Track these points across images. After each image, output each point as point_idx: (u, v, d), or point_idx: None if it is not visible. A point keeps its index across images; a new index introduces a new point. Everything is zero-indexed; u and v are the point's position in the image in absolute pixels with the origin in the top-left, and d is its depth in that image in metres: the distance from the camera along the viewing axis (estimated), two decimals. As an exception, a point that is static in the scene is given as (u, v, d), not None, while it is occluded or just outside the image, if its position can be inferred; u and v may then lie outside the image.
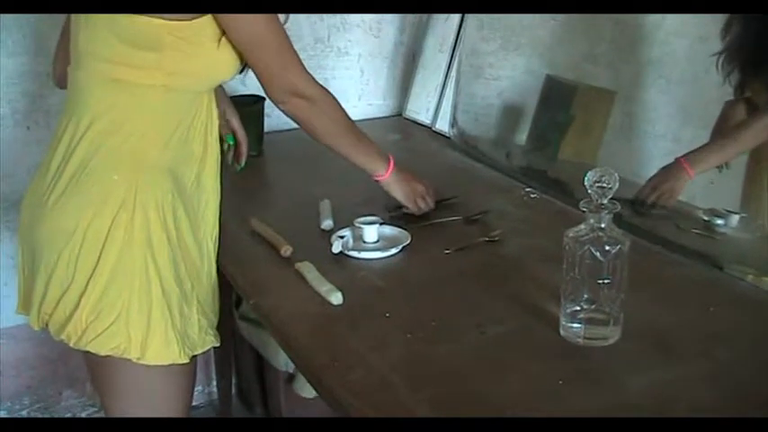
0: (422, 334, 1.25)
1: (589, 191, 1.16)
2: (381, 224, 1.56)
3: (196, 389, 2.34)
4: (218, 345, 1.46)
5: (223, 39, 1.32)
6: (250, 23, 1.30)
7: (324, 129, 1.44)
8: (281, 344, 1.31)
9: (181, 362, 1.36)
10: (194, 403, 2.31)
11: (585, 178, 1.16)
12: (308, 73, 1.41)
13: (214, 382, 2.46)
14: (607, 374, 1.16)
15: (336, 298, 1.33)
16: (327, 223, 1.63)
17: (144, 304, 1.32)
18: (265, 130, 2.14)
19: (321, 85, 1.43)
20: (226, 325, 2.17)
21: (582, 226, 1.19)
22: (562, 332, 1.23)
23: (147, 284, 1.32)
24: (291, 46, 1.38)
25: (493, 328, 1.26)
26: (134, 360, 1.33)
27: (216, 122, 1.44)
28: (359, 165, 1.50)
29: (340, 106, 1.47)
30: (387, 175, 1.53)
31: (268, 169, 2.11)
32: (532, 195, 1.82)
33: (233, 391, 2.38)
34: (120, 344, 1.32)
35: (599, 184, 1.15)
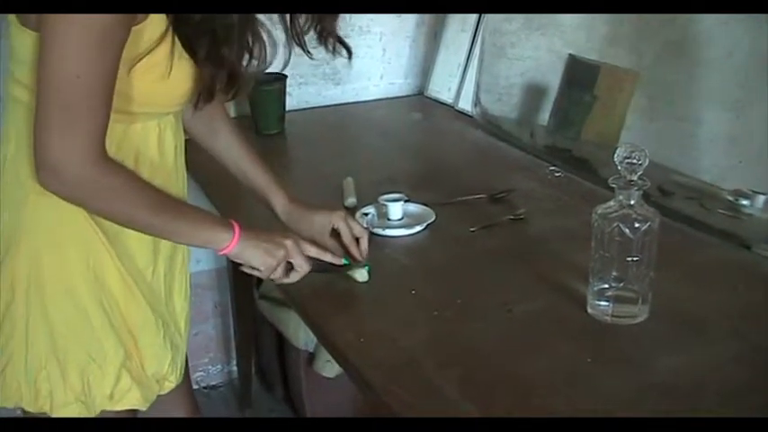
0: (448, 312, 1.24)
1: (618, 167, 1.15)
2: (406, 201, 1.55)
3: (215, 367, 2.42)
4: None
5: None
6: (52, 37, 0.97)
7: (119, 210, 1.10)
8: (306, 321, 1.31)
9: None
10: (213, 383, 2.46)
11: (615, 154, 1.15)
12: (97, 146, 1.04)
13: (234, 362, 2.47)
14: (635, 354, 1.15)
15: (362, 275, 1.33)
16: (351, 201, 1.63)
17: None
18: (286, 108, 2.14)
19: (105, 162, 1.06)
20: (246, 304, 2.25)
21: (611, 203, 1.18)
22: (590, 310, 1.22)
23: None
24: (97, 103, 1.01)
25: (519, 307, 1.25)
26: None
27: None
28: (197, 244, 1.18)
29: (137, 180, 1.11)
30: (234, 243, 1.17)
31: (290, 148, 2.10)
32: (557, 174, 1.81)
33: (253, 371, 2.38)
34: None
35: (629, 161, 1.14)
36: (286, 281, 1.24)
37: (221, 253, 1.17)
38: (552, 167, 1.83)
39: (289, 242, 1.22)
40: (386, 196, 1.56)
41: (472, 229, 1.51)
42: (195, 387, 2.29)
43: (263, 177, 1.38)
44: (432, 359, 1.13)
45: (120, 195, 1.08)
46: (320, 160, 1.94)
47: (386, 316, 1.24)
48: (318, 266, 1.27)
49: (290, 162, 2.02)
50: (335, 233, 1.37)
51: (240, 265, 1.22)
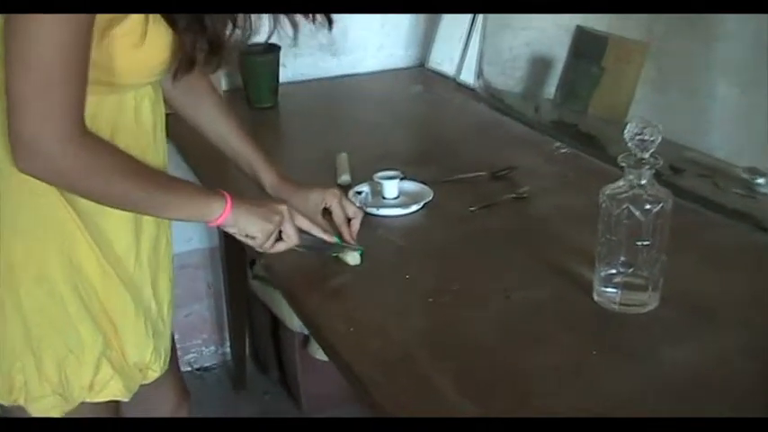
0: (444, 299, 1.20)
1: (629, 144, 1.09)
2: (402, 179, 1.51)
3: (208, 349, 2.39)
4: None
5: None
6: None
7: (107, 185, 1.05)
8: (294, 308, 1.26)
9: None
10: (207, 365, 2.43)
11: (625, 130, 1.08)
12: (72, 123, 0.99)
13: (228, 343, 2.45)
14: (644, 345, 1.10)
15: (354, 258, 1.28)
16: (345, 178, 1.59)
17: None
18: (280, 81, 2.09)
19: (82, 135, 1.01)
20: (240, 284, 2.23)
21: (620, 182, 1.12)
22: (596, 297, 1.17)
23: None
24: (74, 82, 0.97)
25: (520, 293, 1.21)
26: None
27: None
28: (188, 217, 1.14)
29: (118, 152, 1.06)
30: (227, 211, 1.13)
31: (283, 122, 2.06)
32: (562, 150, 1.76)
33: (247, 352, 2.37)
34: None
35: (640, 137, 1.07)
36: (273, 251, 1.20)
37: (215, 223, 1.13)
38: (558, 143, 1.79)
39: (283, 207, 1.20)
40: (381, 173, 1.51)
41: (472, 209, 1.47)
42: (188, 369, 2.36)
43: (252, 153, 1.33)
44: (426, 351, 1.08)
45: (101, 170, 1.03)
46: (314, 135, 1.90)
47: (378, 303, 1.20)
48: (307, 243, 1.23)
49: (283, 137, 1.99)
50: (327, 213, 1.33)
51: (233, 239, 1.19)
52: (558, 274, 1.24)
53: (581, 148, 1.76)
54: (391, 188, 1.50)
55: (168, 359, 1.31)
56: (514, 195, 1.52)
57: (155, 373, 1.27)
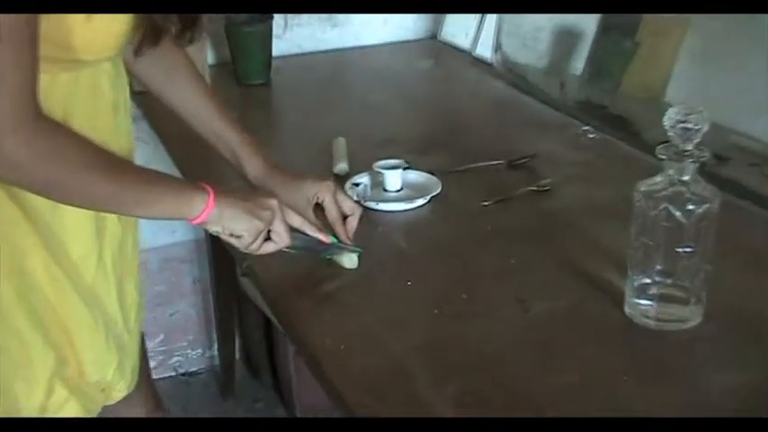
0: (451, 309, 1.16)
1: (670, 133, 1.03)
2: (406, 168, 1.49)
3: (195, 351, 2.42)
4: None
5: None
6: None
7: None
8: (278, 318, 1.23)
9: None
10: (193, 369, 2.44)
11: (666, 117, 1.02)
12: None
13: (216, 346, 2.44)
14: (684, 368, 1.05)
15: (350, 261, 1.24)
16: (341, 167, 1.56)
17: None
18: (273, 54, 2.07)
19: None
20: (228, 281, 2.22)
21: (658, 178, 1.06)
22: (627, 310, 1.13)
23: None
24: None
25: (539, 304, 1.17)
26: None
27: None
28: (163, 213, 1.07)
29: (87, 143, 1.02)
30: (210, 206, 1.07)
31: (275, 101, 2.04)
32: (591, 135, 1.74)
33: (237, 356, 2.37)
34: None
35: (683, 125, 1.01)
36: (260, 252, 1.15)
37: (196, 221, 1.08)
38: (585, 127, 1.77)
39: (274, 202, 1.14)
40: (382, 162, 1.48)
41: (485, 204, 1.44)
42: (171, 374, 2.40)
43: (234, 136, 1.28)
44: (425, 371, 1.04)
45: (61, 160, 0.98)
46: (309, 116, 1.89)
47: (374, 314, 1.16)
48: (299, 243, 1.19)
49: (274, 118, 1.98)
50: (320, 209, 1.28)
51: (217, 238, 1.15)
52: (584, 282, 1.21)
53: (612, 133, 1.74)
54: (394, 179, 1.48)
55: (136, 376, 1.26)
56: (534, 188, 1.50)
57: (119, 393, 1.23)
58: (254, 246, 1.13)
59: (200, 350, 2.48)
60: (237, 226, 1.10)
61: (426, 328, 1.13)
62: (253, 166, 1.28)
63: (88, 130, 1.04)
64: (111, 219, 1.15)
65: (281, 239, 1.15)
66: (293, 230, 1.17)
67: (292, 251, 1.18)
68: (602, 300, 1.16)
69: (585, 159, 1.64)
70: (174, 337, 2.41)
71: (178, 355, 2.44)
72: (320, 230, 1.21)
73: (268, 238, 1.15)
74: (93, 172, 1.00)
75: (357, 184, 1.47)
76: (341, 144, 1.63)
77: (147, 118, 1.82)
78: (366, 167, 1.51)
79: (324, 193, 1.26)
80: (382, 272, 1.26)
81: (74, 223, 1.09)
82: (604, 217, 1.37)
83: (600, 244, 1.30)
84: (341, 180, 1.49)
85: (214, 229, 1.10)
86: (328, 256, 1.24)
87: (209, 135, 1.29)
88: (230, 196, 1.10)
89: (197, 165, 1.52)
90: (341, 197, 1.28)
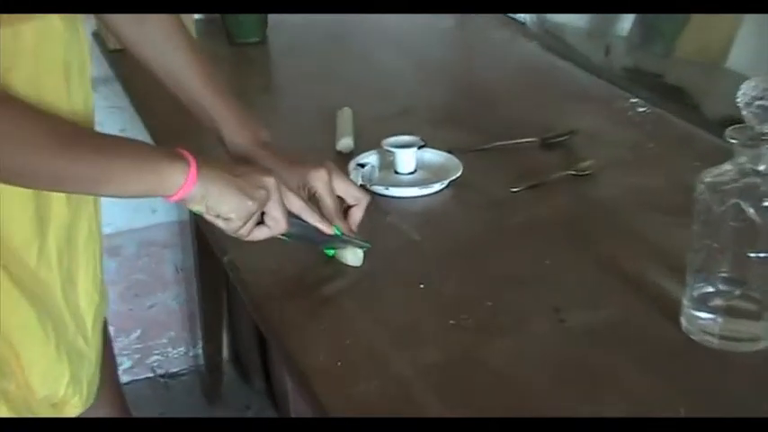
0: (471, 320, 1.13)
1: (744, 112, 0.98)
2: (421, 147, 1.48)
3: (177, 350, 2.48)
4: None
5: None
6: None
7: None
8: (262, 326, 1.19)
9: None
10: (174, 370, 2.49)
11: (740, 93, 0.97)
12: None
13: (201, 344, 2.48)
14: (753, 399, 1.00)
15: (355, 257, 1.22)
16: (345, 143, 1.56)
17: None
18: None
19: None
20: (216, 269, 2.22)
21: (727, 166, 1.02)
22: (684, 325, 1.09)
23: None
24: None
25: (577, 315, 1.14)
26: None
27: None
28: (132, 190, 1.03)
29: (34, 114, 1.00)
30: (191, 179, 1.03)
31: (272, 64, 2.07)
32: (640, 109, 1.73)
33: (225, 355, 2.40)
34: None
35: (761, 103, 0.96)
36: (251, 238, 1.12)
37: (175, 197, 1.03)
38: (634, 99, 1.76)
39: (271, 181, 1.10)
40: (393, 139, 1.48)
41: (515, 190, 1.43)
42: (150, 375, 2.44)
43: (219, 104, 1.25)
44: (438, 398, 1.00)
45: (6, 133, 0.94)
46: (310, 82, 1.90)
47: (379, 324, 1.13)
48: (297, 231, 1.16)
49: (270, 83, 1.99)
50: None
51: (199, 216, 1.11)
52: (632, 289, 1.18)
53: (665, 106, 1.72)
54: (406, 159, 1.47)
55: (95, 389, 1.23)
56: (573, 172, 1.48)
57: (75, 408, 1.19)
58: (244, 230, 1.09)
59: (182, 348, 2.48)
60: (225, 207, 1.06)
61: (441, 342, 1.10)
62: (237, 142, 1.25)
63: (32, 94, 1.01)
64: (56, 199, 1.10)
65: (276, 225, 1.12)
66: (291, 216, 1.15)
67: (287, 240, 1.15)
68: (653, 311, 1.14)
69: (634, 138, 1.63)
70: (153, 332, 2.42)
71: (157, 354, 2.46)
72: (322, 219, 1.18)
73: (261, 222, 1.12)
74: (37, 145, 0.95)
75: (363, 165, 1.45)
76: (346, 116, 1.63)
77: (122, 80, 1.83)
78: (374, 145, 1.50)
79: (315, 180, 1.22)
80: (390, 272, 1.24)
81: (8, 204, 1.04)
82: (657, 210, 1.36)
83: (652, 243, 1.28)
84: (345, 159, 1.49)
85: (196, 208, 1.06)
86: (328, 250, 1.22)
87: (191, 103, 1.25)
88: (216, 168, 1.06)
89: (178, 138, 1.49)
90: (342, 183, 1.24)
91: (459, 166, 1.46)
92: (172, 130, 1.55)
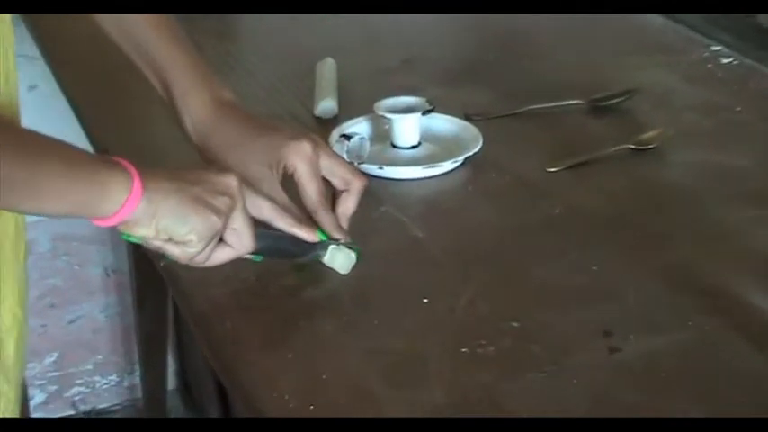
0: (491, 348, 1.11)
1: None
2: (427, 112, 1.48)
3: (106, 379, 2.57)
4: None
5: None
6: None
7: None
8: (210, 356, 1.18)
9: None
10: (103, 405, 2.54)
11: None
12: None
13: (138, 370, 2.49)
14: None
15: (346, 262, 1.22)
16: (327, 106, 1.58)
17: None
18: None
19: None
20: (157, 273, 2.15)
21: None
22: None
23: None
24: None
25: (635, 340, 1.12)
26: None
27: None
28: (54, 210, 1.05)
29: None
30: (135, 196, 1.05)
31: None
32: (724, 60, 1.75)
33: (171, 385, 2.46)
34: None
35: None
36: (211, 263, 1.14)
37: (114, 220, 1.04)
38: (715, 47, 1.79)
39: (234, 183, 1.13)
40: (390, 101, 1.48)
41: (551, 170, 1.44)
42: (71, 413, 2.47)
43: (169, 50, 1.29)
44: None
45: None
46: (280, 25, 1.92)
47: (366, 352, 1.13)
48: (267, 245, 1.18)
49: (227, 27, 1.99)
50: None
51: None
52: (709, 305, 1.18)
53: (758, 57, 1.75)
54: (408, 129, 1.48)
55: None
56: (632, 146, 1.48)
57: None
58: (203, 255, 1.11)
59: (113, 377, 2.51)
60: (183, 227, 1.08)
61: (450, 379, 1.08)
62: (192, 102, 1.26)
63: None
64: None
65: (241, 242, 1.13)
66: (258, 224, 1.16)
67: (258, 259, 1.17)
68: (738, 335, 1.13)
69: (714, 100, 1.64)
70: (75, 356, 2.43)
71: (80, 385, 2.47)
72: (300, 224, 1.20)
73: (220, 240, 1.14)
74: None
75: (349, 136, 1.45)
76: (327, 69, 1.65)
77: (49, 58, 1.86)
78: (365, 109, 1.51)
79: (294, 157, 1.22)
80: (383, 281, 1.24)
81: None
82: (743, 199, 1.37)
83: (736, 243, 1.28)
84: (326, 127, 1.50)
85: (141, 233, 1.07)
86: (312, 260, 1.23)
87: (134, 50, 1.29)
88: (163, 178, 1.07)
89: (120, 135, 1.54)
90: (330, 161, 1.25)
91: (479, 137, 1.46)
92: (110, 124, 1.58)
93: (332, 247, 1.22)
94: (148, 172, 1.06)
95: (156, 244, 1.10)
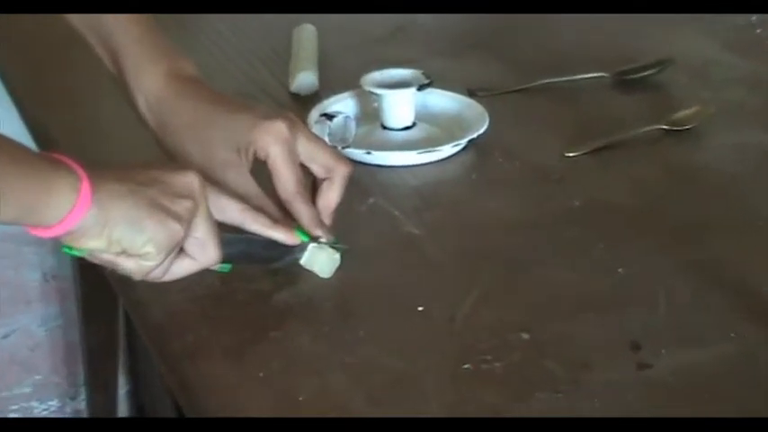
0: (498, 364, 1.11)
1: None
2: (423, 87, 1.48)
3: (46, 404, 2.56)
4: None
5: None
6: None
7: None
8: (170, 381, 1.18)
9: None
10: None
11: None
12: None
13: (83, 392, 2.51)
14: None
15: (328, 263, 1.23)
16: (305, 80, 1.60)
17: None
18: None
19: None
20: (106, 284, 2.16)
21: None
22: None
23: None
24: None
25: (670, 355, 1.12)
26: None
27: None
28: (7, 214, 1.04)
29: None
30: (85, 200, 1.05)
31: None
32: None
33: (122, 410, 2.48)
34: None
35: None
36: (169, 278, 1.15)
37: (58, 230, 1.04)
38: (754, 17, 1.82)
39: (195, 181, 1.13)
40: (379, 74, 1.49)
41: (571, 155, 1.45)
42: None
43: (120, 18, 1.30)
44: None
45: None
46: None
47: (352, 369, 1.12)
48: (236, 251, 1.19)
49: None
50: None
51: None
52: (756, 312, 1.17)
53: None
54: (401, 107, 1.49)
55: None
56: (664, 126, 1.50)
57: None
58: (161, 269, 1.12)
59: (54, 402, 2.51)
60: (139, 237, 1.08)
61: (449, 400, 1.08)
62: (149, 79, 1.27)
63: None
64: None
65: (205, 253, 1.13)
66: (225, 227, 1.17)
67: (226, 268, 1.18)
68: None
69: (762, 71, 1.66)
70: (9, 377, 2.43)
71: (15, 411, 2.47)
72: (275, 224, 1.20)
73: (180, 250, 1.14)
74: None
75: (332, 116, 1.45)
76: (306, 37, 1.69)
77: None
78: (350, 84, 1.53)
79: (266, 140, 1.23)
80: (371, 286, 1.25)
81: None
82: None
83: None
84: (304, 105, 1.52)
85: (90, 245, 1.07)
86: (290, 263, 1.23)
87: (83, 26, 1.29)
88: (113, 180, 1.07)
89: (60, 117, 1.55)
90: (309, 145, 1.25)
91: (485, 116, 1.46)
92: (54, 115, 1.58)
93: (312, 245, 1.23)
94: (96, 172, 1.05)
95: (107, 258, 1.09)
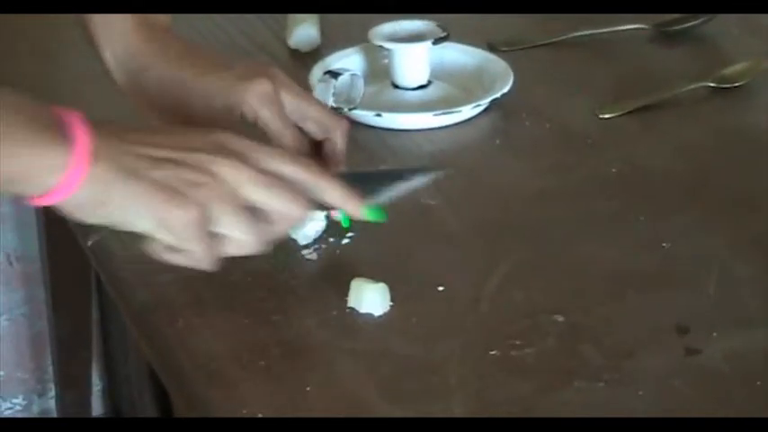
0: (529, 350, 1.12)
1: None
2: (439, 41, 1.49)
3: (11, 402, 2.61)
4: None
5: None
6: None
7: None
8: (156, 365, 1.19)
9: None
10: None
11: None
12: None
13: (53, 390, 2.54)
14: None
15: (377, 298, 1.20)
16: (305, 34, 1.62)
17: None
18: None
19: None
20: (76, 261, 2.24)
21: None
22: None
23: None
24: None
25: (721, 340, 1.12)
26: None
27: None
28: None
29: None
30: (82, 160, 1.03)
31: None
32: None
33: (96, 409, 2.51)
34: None
35: None
36: (204, 264, 1.12)
37: (49, 199, 1.04)
38: None
39: (234, 141, 1.12)
40: (389, 27, 1.51)
41: (606, 116, 1.47)
42: None
43: None
44: None
45: None
46: None
47: (364, 356, 1.13)
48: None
49: None
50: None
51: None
52: None
53: None
54: (414, 63, 1.51)
55: None
56: (711, 83, 1.52)
57: None
58: (234, 247, 1.10)
59: (19, 399, 2.55)
60: (139, 222, 1.08)
61: (474, 390, 1.08)
62: (118, 30, 1.28)
63: None
64: None
65: (239, 245, 1.10)
66: None
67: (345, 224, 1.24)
68: None
69: None
70: None
71: None
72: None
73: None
74: None
75: (337, 74, 1.45)
76: None
77: None
78: (356, 39, 1.56)
79: (254, 103, 1.23)
80: (384, 263, 1.25)
81: None
82: None
83: None
84: (305, 62, 1.54)
85: (92, 221, 1.07)
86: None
87: None
88: (122, 153, 1.05)
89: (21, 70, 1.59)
90: (298, 102, 1.26)
91: (509, 73, 1.48)
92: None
93: (354, 283, 1.20)
94: (100, 127, 1.04)
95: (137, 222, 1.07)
